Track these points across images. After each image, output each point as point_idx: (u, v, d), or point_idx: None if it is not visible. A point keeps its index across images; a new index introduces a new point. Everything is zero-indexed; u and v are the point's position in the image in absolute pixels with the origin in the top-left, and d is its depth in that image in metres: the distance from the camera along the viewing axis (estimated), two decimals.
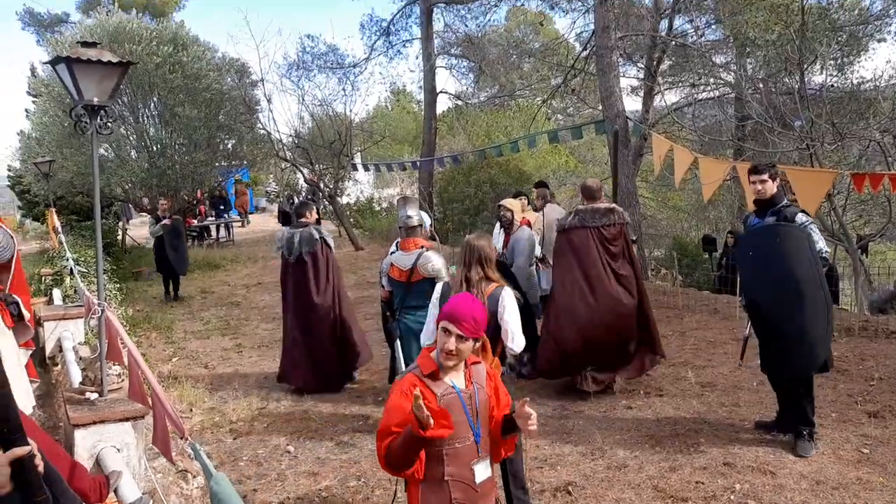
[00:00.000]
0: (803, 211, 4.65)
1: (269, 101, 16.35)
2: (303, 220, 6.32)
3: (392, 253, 5.29)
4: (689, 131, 15.31)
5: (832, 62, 12.66)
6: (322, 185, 16.07)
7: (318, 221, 6.55)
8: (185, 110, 14.08)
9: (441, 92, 18.73)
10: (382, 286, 5.31)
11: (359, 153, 19.07)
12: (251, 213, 22.64)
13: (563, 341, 5.47)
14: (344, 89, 17.75)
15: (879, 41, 13.21)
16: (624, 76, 14.99)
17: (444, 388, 2.45)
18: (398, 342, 4.99)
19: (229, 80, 16.11)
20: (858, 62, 13.09)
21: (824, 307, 4.34)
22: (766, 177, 4.52)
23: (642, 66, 15.72)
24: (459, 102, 20.95)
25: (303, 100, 18.12)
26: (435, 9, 17.97)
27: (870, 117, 10.24)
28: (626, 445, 4.73)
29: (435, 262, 4.88)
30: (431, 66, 17.75)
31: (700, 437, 4.78)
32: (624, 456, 4.57)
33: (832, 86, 12.38)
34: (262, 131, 16.33)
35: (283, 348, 6.54)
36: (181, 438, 3.18)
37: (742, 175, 7.91)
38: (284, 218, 17.94)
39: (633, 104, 15.92)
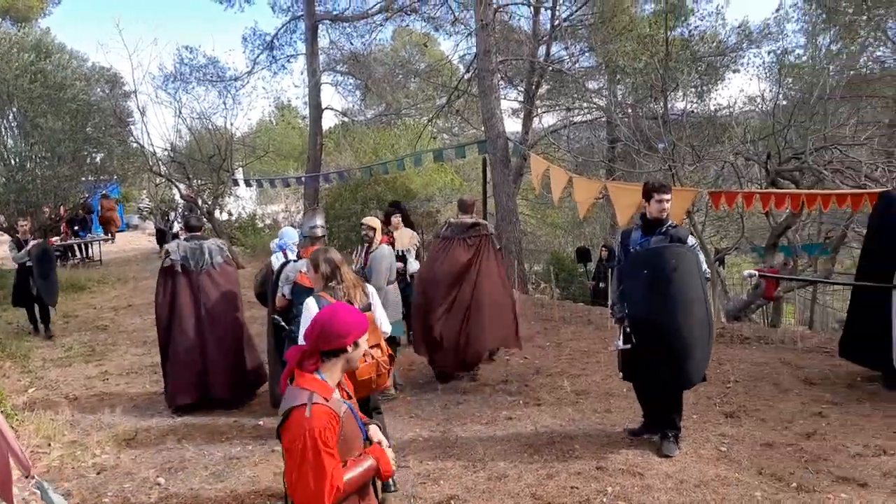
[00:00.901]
0: (691, 233, 4.95)
1: (142, 113, 15.57)
2: (199, 233, 6.44)
3: (294, 261, 5.35)
4: (564, 152, 16.07)
5: (693, 90, 13.82)
6: (200, 202, 15.40)
7: None
8: (48, 122, 13.08)
9: (327, 108, 18.54)
10: (283, 295, 5.22)
11: (240, 168, 18.46)
12: (122, 230, 21.17)
13: (431, 330, 6.38)
14: (224, 102, 17.26)
15: (734, 71, 14.58)
16: (505, 98, 15.51)
17: (342, 408, 2.40)
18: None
19: (99, 90, 15.19)
20: (715, 90, 14.40)
21: (707, 325, 4.61)
22: (669, 196, 4.67)
23: (522, 89, 16.33)
24: (346, 119, 20.83)
25: (180, 112, 17.28)
26: (320, 25, 17.81)
27: (725, 141, 11.12)
28: (506, 456, 4.84)
29: None
30: (317, 82, 17.54)
31: (575, 443, 4.97)
32: (504, 466, 4.67)
33: (692, 111, 13.46)
34: (135, 144, 15.49)
35: (174, 368, 6.15)
36: (26, 477, 2.92)
37: (614, 194, 8.40)
38: (161, 236, 17.00)
39: (513, 125, 16.47)
